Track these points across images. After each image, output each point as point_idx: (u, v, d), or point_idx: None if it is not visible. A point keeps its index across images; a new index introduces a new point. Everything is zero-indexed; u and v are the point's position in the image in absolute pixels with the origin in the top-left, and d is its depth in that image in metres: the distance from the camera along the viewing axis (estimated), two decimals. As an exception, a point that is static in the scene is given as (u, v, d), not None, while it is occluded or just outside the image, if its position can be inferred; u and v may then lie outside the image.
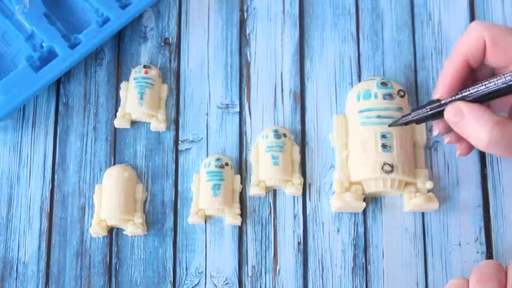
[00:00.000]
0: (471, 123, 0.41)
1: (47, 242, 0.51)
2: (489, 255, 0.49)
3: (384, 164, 0.48)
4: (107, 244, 0.51)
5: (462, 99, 0.43)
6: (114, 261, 0.50)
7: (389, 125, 0.48)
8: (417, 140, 0.51)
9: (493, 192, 0.51)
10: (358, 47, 0.55)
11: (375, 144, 0.49)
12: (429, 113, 0.44)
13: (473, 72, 0.45)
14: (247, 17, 0.56)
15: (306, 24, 0.56)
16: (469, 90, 0.43)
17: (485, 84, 0.42)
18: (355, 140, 0.50)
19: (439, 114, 0.44)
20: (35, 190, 0.52)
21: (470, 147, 0.47)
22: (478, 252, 0.49)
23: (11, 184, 0.52)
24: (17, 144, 0.53)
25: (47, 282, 0.50)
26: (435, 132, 0.46)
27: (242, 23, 0.56)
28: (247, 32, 0.56)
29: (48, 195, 0.52)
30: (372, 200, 0.51)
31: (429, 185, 0.49)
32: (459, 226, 0.50)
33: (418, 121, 0.45)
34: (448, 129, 0.45)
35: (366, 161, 0.49)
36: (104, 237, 0.51)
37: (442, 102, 0.43)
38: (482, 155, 0.51)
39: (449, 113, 0.43)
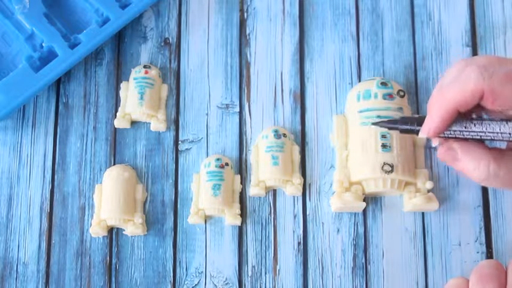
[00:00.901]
0: (467, 162, 0.41)
1: (47, 242, 0.51)
2: (489, 255, 0.49)
3: (384, 164, 0.48)
4: (107, 244, 0.51)
5: (455, 138, 0.42)
6: (114, 261, 0.50)
7: (372, 124, 0.47)
8: (417, 140, 0.51)
9: (493, 192, 0.51)
10: (358, 47, 0.55)
11: (374, 144, 0.49)
12: (416, 129, 0.44)
13: None
14: (247, 17, 0.56)
15: (306, 24, 0.56)
16: (463, 134, 0.41)
17: (480, 135, 0.41)
18: (355, 140, 0.50)
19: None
20: (35, 190, 0.52)
21: None
22: (478, 252, 0.49)
23: (11, 184, 0.52)
24: (17, 144, 0.53)
25: (47, 282, 0.50)
26: (435, 143, 0.46)
27: (242, 23, 0.56)
28: (247, 32, 0.56)
29: (48, 195, 0.52)
30: (372, 200, 0.51)
31: (429, 185, 0.49)
32: (459, 226, 0.50)
33: (402, 132, 0.45)
34: None
35: (365, 161, 0.49)
36: (104, 237, 0.51)
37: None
38: (482, 155, 0.51)
39: (442, 154, 0.42)
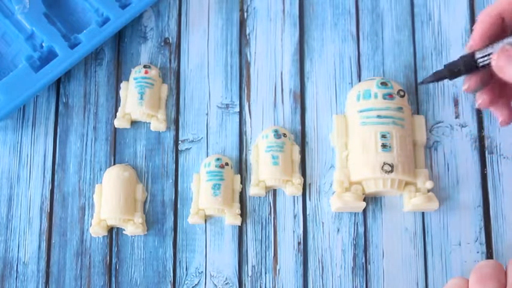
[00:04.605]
0: None
1: (47, 242, 0.51)
2: (489, 255, 0.49)
3: (384, 163, 0.48)
4: (107, 244, 0.51)
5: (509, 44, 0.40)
6: (114, 261, 0.50)
7: (419, 83, 0.46)
8: (417, 140, 0.51)
9: (493, 192, 0.51)
10: (358, 47, 0.55)
11: (374, 144, 0.49)
12: (462, 65, 0.42)
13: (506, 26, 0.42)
14: (247, 17, 0.56)
15: (306, 24, 0.56)
16: None
17: None
18: (355, 140, 0.50)
19: (472, 69, 0.42)
20: (35, 190, 0.52)
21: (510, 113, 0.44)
22: (478, 252, 0.49)
23: (11, 184, 0.52)
24: (17, 144, 0.53)
25: (47, 282, 0.50)
26: (465, 86, 0.43)
27: (242, 23, 0.56)
28: (247, 32, 0.56)
29: (48, 195, 0.52)
30: (372, 200, 0.51)
31: (429, 185, 0.49)
32: (459, 226, 0.50)
33: (451, 76, 0.42)
34: (479, 87, 0.43)
35: (365, 161, 0.49)
36: (104, 237, 0.51)
37: (476, 55, 0.41)
38: (482, 155, 0.52)
39: (497, 56, 0.40)
